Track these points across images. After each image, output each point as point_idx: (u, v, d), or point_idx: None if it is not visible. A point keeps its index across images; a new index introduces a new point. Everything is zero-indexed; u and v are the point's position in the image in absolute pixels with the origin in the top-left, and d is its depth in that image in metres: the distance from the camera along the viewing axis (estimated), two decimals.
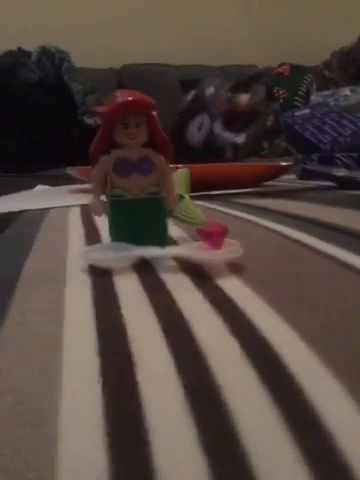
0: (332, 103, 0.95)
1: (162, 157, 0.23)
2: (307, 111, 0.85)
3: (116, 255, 0.21)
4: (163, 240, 0.23)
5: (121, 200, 0.22)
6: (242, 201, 0.44)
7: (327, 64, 1.44)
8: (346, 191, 0.54)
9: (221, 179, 0.55)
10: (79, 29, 1.73)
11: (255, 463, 0.09)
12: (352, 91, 1.00)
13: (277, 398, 0.11)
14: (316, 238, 0.25)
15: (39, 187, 0.74)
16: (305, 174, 0.70)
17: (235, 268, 0.20)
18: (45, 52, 1.39)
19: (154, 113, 0.22)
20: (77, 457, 0.09)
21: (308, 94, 1.35)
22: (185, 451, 0.09)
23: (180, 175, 0.27)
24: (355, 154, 0.71)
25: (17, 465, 0.09)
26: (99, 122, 0.22)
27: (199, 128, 1.34)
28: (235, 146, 1.30)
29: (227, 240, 0.21)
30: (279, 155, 1.09)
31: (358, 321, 0.14)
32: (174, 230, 0.29)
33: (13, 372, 0.12)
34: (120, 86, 1.61)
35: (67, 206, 0.45)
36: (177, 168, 0.28)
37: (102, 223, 0.31)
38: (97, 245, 0.23)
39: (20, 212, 0.42)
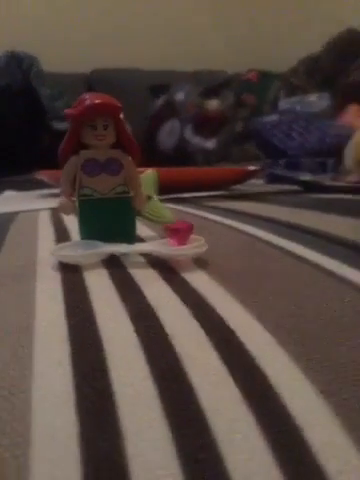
0: (299, 109, 0.98)
1: (130, 158, 0.23)
2: (275, 117, 0.88)
3: (85, 252, 0.21)
4: (132, 238, 0.24)
5: (90, 199, 0.23)
6: (212, 204, 0.45)
7: (294, 71, 1.48)
8: (311, 195, 0.56)
9: (189, 182, 0.57)
10: (48, 34, 1.72)
11: (212, 424, 0.09)
12: (319, 98, 1.04)
13: (235, 372, 0.11)
14: (278, 236, 0.27)
15: (7, 193, 0.73)
16: (272, 178, 0.72)
17: (200, 263, 0.21)
18: (13, 57, 1.38)
19: (122, 116, 0.23)
20: (49, 425, 0.09)
21: (276, 100, 1.38)
22: (149, 416, 0.10)
23: (148, 176, 0.28)
24: (320, 159, 0.74)
25: None
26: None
27: (169, 133, 1.36)
28: (205, 151, 1.31)
29: (193, 236, 0.22)
30: (249, 160, 1.11)
31: (312, 309, 0.15)
32: (142, 229, 0.30)
33: None
34: (90, 91, 1.60)
35: (36, 210, 0.45)
36: (145, 170, 0.28)
37: (72, 224, 0.32)
38: (67, 243, 0.24)
39: None
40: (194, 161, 1.28)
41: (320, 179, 0.65)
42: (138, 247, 0.22)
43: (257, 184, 0.71)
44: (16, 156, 1.30)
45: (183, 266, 0.21)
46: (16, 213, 0.43)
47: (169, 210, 0.28)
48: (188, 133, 1.34)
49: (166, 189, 0.34)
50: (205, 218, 0.36)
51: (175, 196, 0.51)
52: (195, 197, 0.53)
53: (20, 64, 1.39)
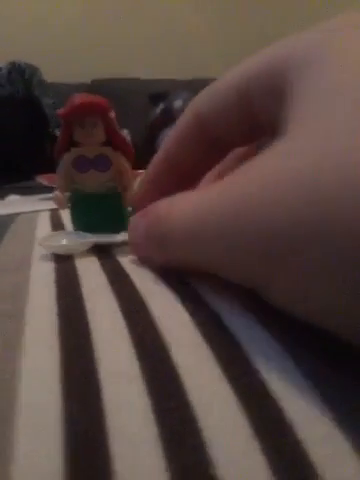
0: None
1: (119, 155, 0.25)
2: None
3: (74, 240, 0.23)
4: (122, 231, 0.25)
5: (80, 194, 0.24)
6: None
7: None
8: None
9: None
10: (49, 44, 1.75)
11: (192, 399, 0.10)
12: None
13: (218, 354, 0.12)
14: None
15: (12, 197, 0.75)
16: None
17: None
18: (15, 67, 1.41)
19: (112, 115, 0.24)
20: (34, 402, 0.10)
21: None
22: (132, 390, 0.10)
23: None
24: None
25: None
26: None
27: None
28: None
29: None
30: None
31: None
32: None
33: None
34: None
35: (36, 211, 0.47)
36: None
37: (70, 223, 0.33)
38: (54, 233, 0.25)
39: None
40: None
41: None
42: (122, 236, 0.23)
43: None
44: (19, 164, 1.32)
45: None
46: (17, 214, 0.45)
47: None
48: None
49: None
50: None
51: None
52: None
53: (22, 74, 1.41)
